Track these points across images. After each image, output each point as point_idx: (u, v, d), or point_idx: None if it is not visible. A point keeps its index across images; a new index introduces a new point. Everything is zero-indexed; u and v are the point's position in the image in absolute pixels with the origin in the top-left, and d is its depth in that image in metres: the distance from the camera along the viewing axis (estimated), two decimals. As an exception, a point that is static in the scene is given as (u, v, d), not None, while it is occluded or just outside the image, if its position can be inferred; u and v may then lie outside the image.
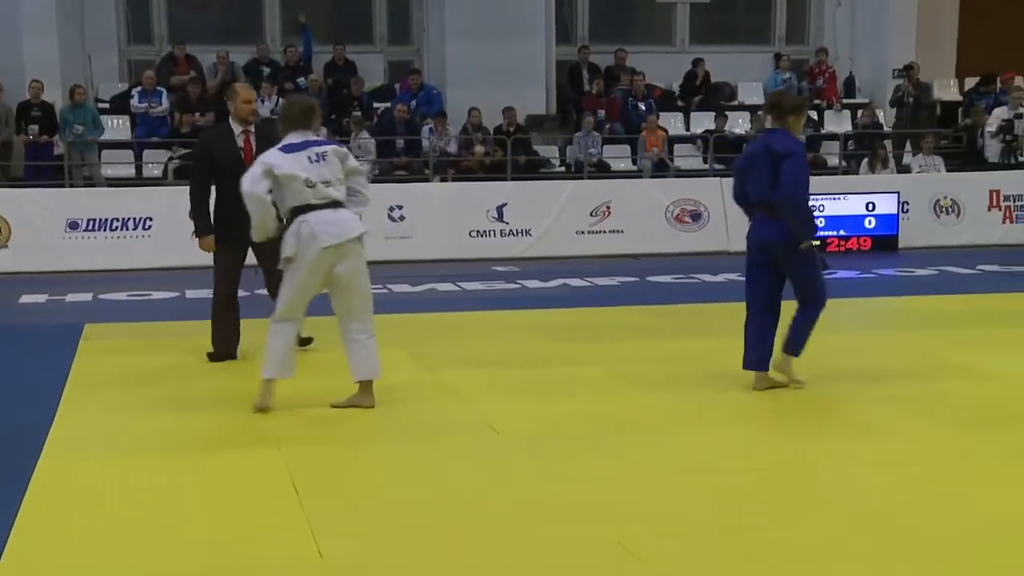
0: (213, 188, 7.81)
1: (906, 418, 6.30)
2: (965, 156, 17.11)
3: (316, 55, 18.04)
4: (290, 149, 6.38)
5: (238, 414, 6.47)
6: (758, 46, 20.04)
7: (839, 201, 14.57)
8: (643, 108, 17.72)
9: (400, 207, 14.48)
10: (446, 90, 17.98)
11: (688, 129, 18.42)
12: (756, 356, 6.90)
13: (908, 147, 17.75)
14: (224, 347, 7.96)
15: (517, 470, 5.44)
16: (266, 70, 17.50)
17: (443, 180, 16.30)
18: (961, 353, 7.96)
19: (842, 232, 14.55)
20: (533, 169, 16.88)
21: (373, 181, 16.11)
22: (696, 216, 14.71)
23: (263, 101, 15.90)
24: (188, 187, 7.96)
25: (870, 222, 14.60)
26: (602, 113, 17.65)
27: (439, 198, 15.09)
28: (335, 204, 6.35)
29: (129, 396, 7.03)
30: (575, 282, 12.21)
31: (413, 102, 17.47)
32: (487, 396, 6.91)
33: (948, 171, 16.36)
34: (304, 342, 7.93)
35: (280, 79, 17.28)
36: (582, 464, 5.51)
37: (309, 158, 6.34)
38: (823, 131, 18.27)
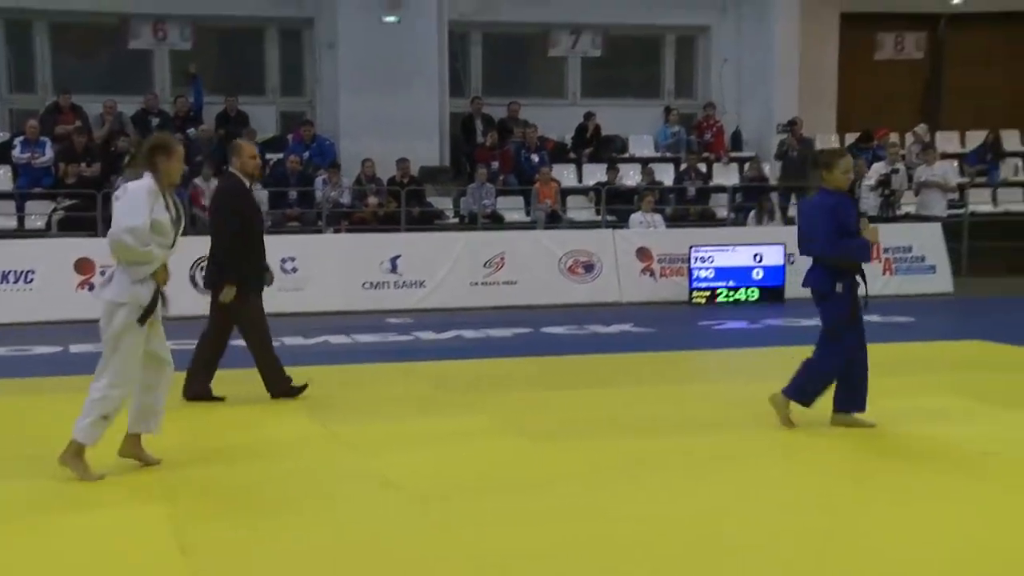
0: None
1: (802, 471, 6.38)
2: (847, 209, 17.56)
3: (207, 106, 17.86)
4: None
5: (127, 472, 6.28)
6: (648, 100, 20.44)
7: (728, 252, 14.84)
8: (536, 160, 17.90)
9: (292, 259, 14.33)
10: (339, 141, 17.94)
11: (580, 181, 18.64)
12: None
13: (793, 199, 18.20)
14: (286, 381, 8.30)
15: (414, 523, 5.38)
16: (155, 120, 17.27)
17: (336, 231, 16.20)
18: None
19: (731, 283, 14.81)
20: (427, 220, 16.88)
21: (267, 232, 16.06)
22: (589, 267, 14.84)
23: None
24: (222, 240, 8.15)
25: (758, 273, 14.90)
26: (495, 165, 17.78)
27: (332, 249, 14.98)
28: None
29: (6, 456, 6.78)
30: (469, 333, 12.19)
31: (306, 153, 17.38)
32: (383, 449, 6.84)
33: (832, 223, 16.77)
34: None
35: (170, 129, 17.04)
36: (479, 515, 5.47)
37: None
38: (711, 184, 18.65)
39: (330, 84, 18.33)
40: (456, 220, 17.25)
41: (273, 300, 13.76)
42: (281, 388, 8.31)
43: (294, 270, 14.33)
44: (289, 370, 8.45)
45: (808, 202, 7.28)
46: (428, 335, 12.08)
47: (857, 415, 7.21)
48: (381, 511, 5.62)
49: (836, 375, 7.17)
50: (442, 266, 14.76)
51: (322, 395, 8.54)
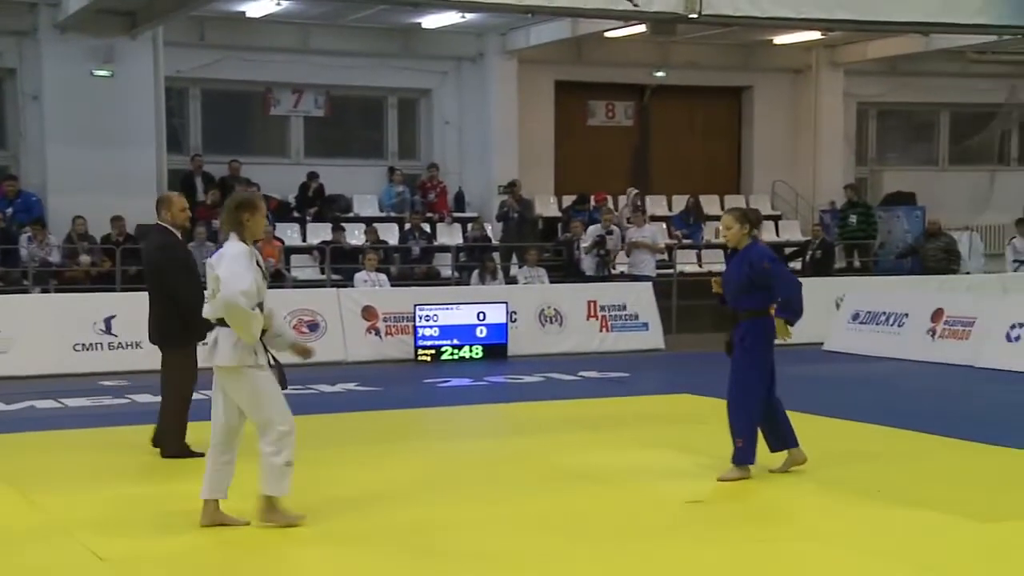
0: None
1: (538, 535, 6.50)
2: (565, 268, 18.26)
3: None
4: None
5: None
6: (372, 160, 20.57)
7: (452, 311, 15.05)
8: (259, 219, 17.61)
9: (-5, 320, 13.49)
10: (47, 197, 17.07)
11: (305, 240, 18.50)
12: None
13: (515, 259, 18.72)
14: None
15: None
16: None
17: (44, 291, 15.37)
18: (571, 456, 8.38)
19: (455, 341, 15.01)
20: (144, 280, 16.26)
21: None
22: (314, 326, 14.70)
23: None
24: (174, 291, 8.28)
25: (481, 331, 15.17)
26: (216, 223, 17.38)
27: (40, 310, 14.18)
28: (215, 323, 6.34)
29: None
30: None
31: (9, 209, 16.46)
32: (90, 522, 6.49)
33: (551, 282, 17.37)
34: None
35: None
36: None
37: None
38: (436, 243, 18.91)
39: (35, 137, 17.43)
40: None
41: (-29, 364, 13.05)
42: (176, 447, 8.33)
43: (-4, 332, 13.49)
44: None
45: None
46: (144, 398, 11.61)
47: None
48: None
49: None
50: (160, 327, 14.24)
51: (25, 462, 8.05)
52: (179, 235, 8.45)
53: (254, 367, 6.23)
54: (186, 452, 8.38)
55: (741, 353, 7.54)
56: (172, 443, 8.45)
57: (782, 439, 7.71)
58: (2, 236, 15.98)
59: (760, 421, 7.61)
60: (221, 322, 6.25)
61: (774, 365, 7.68)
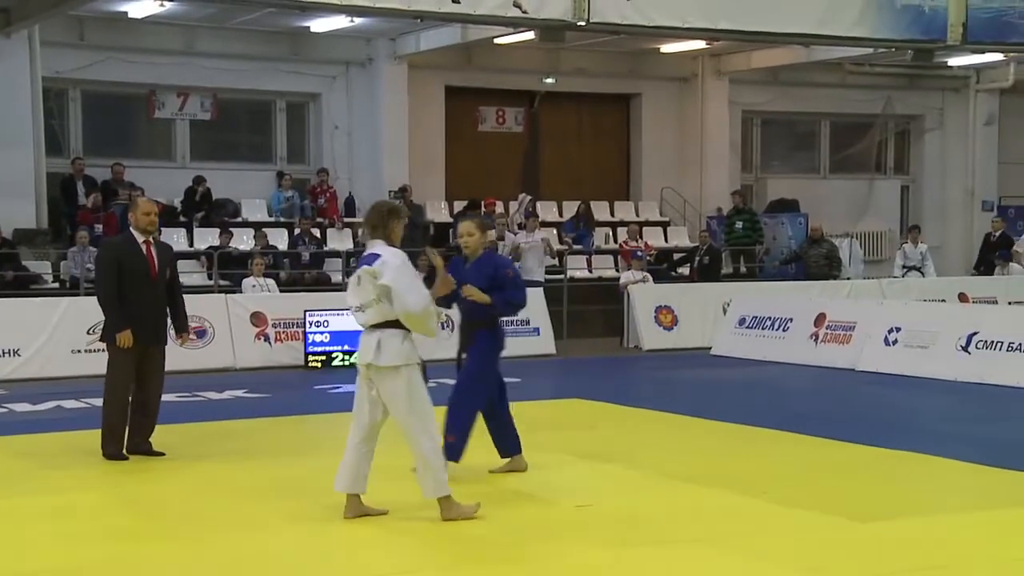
0: None
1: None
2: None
3: None
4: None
5: None
6: (261, 164, 20.31)
7: (343, 317, 14.91)
8: (143, 223, 17.25)
9: None
10: (-81, 201, 16.46)
11: (192, 245, 18.17)
12: None
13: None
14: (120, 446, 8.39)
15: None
16: None
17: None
18: (463, 460, 8.38)
19: (347, 347, 14.89)
20: (23, 285, 15.82)
21: None
22: (201, 333, 14.43)
23: None
24: (96, 290, 8.72)
25: (372, 337, 15.08)
26: (99, 228, 16.96)
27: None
28: (370, 328, 6.55)
29: None
30: (70, 403, 11.50)
31: None
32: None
33: (442, 287, 17.31)
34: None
35: None
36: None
37: (354, 281, 6.62)
38: (326, 248, 18.74)
39: (-92, 137, 16.83)
40: (56, 285, 16.27)
41: None
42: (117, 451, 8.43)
43: None
44: None
45: None
46: (24, 407, 11.29)
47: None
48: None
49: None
50: (41, 333, 13.86)
51: None
52: (138, 237, 8.50)
53: (413, 365, 6.53)
54: (118, 455, 8.40)
55: (476, 359, 7.79)
56: (105, 443, 8.46)
57: (509, 447, 8.02)
58: None
59: (490, 428, 7.94)
60: (382, 325, 6.50)
61: (501, 376, 8.02)
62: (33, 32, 16.79)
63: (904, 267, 20.03)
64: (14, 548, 6.13)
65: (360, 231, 17.74)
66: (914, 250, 20.08)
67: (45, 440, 9.47)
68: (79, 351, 13.92)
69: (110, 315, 8.49)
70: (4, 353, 13.59)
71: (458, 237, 7.89)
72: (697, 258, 19.24)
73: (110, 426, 8.46)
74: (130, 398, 8.53)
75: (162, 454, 8.57)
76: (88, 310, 14.27)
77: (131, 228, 8.64)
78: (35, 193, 17.25)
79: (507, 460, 8.03)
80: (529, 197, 20.22)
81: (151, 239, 8.60)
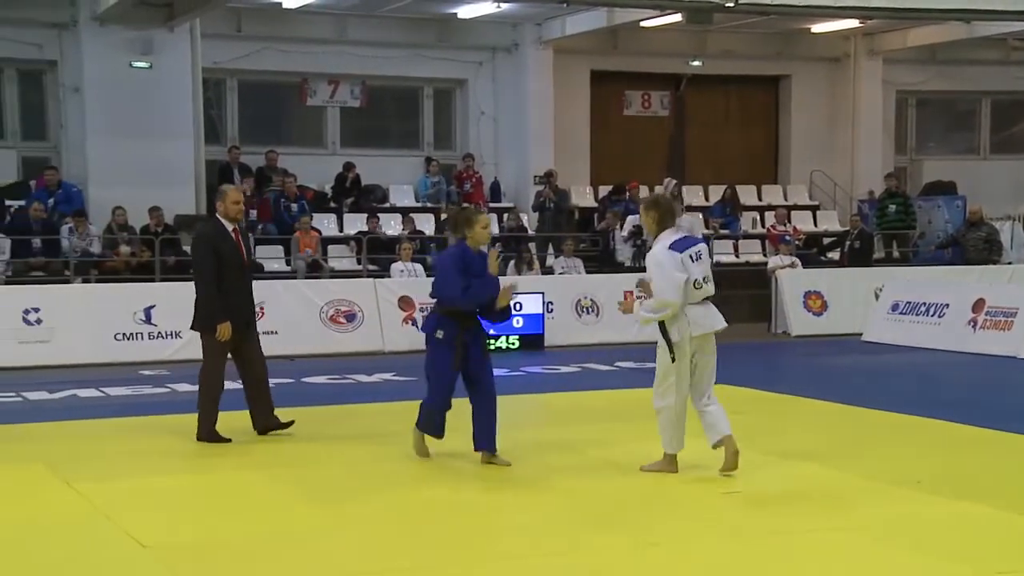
0: None
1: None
2: (601, 259, 18.22)
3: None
4: (680, 247, 7.16)
5: None
6: (408, 150, 20.61)
7: (488, 301, 15.05)
8: (296, 209, 17.71)
9: (37, 310, 13.64)
10: (88, 188, 17.23)
11: (341, 230, 18.56)
12: None
13: (551, 249, 18.70)
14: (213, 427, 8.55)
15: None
16: None
17: (86, 281, 15.51)
18: (611, 446, 8.36)
19: (492, 331, 14.98)
20: (183, 270, 16.39)
21: (6, 282, 15.27)
22: (351, 317, 14.75)
23: None
24: (195, 278, 8.79)
25: (518, 322, 15.17)
26: (254, 214, 17.48)
27: (82, 300, 14.33)
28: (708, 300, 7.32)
29: None
30: (229, 384, 11.86)
31: (51, 200, 16.61)
32: (132, 509, 6.55)
33: (587, 272, 17.34)
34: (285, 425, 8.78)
35: None
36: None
37: (691, 257, 7.17)
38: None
39: (76, 129, 17.60)
40: (214, 269, 16.80)
41: (14, 353, 13.22)
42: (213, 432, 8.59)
43: (39, 321, 13.63)
44: (30, 428, 8.03)
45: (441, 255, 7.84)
46: (184, 387, 11.70)
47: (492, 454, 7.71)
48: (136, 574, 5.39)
49: (438, 409, 7.81)
50: (199, 317, 14.34)
51: (68, 450, 8.14)
52: (227, 226, 8.60)
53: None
54: (215, 437, 8.54)
55: (484, 352, 7.99)
56: (200, 426, 8.63)
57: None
58: (44, 227, 16.14)
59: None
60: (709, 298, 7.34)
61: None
62: (194, 25, 17.38)
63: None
64: (224, 514, 6.37)
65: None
66: (1079, 233, 19.22)
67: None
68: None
69: (209, 305, 8.61)
70: (166, 335, 14.11)
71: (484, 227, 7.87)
72: (848, 242, 18.78)
73: (206, 412, 8.65)
74: (242, 383, 8.85)
75: (291, 423, 8.83)
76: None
77: (218, 215, 8.70)
78: (195, 180, 17.87)
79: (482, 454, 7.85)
80: (675, 181, 19.99)
81: (238, 226, 8.74)
